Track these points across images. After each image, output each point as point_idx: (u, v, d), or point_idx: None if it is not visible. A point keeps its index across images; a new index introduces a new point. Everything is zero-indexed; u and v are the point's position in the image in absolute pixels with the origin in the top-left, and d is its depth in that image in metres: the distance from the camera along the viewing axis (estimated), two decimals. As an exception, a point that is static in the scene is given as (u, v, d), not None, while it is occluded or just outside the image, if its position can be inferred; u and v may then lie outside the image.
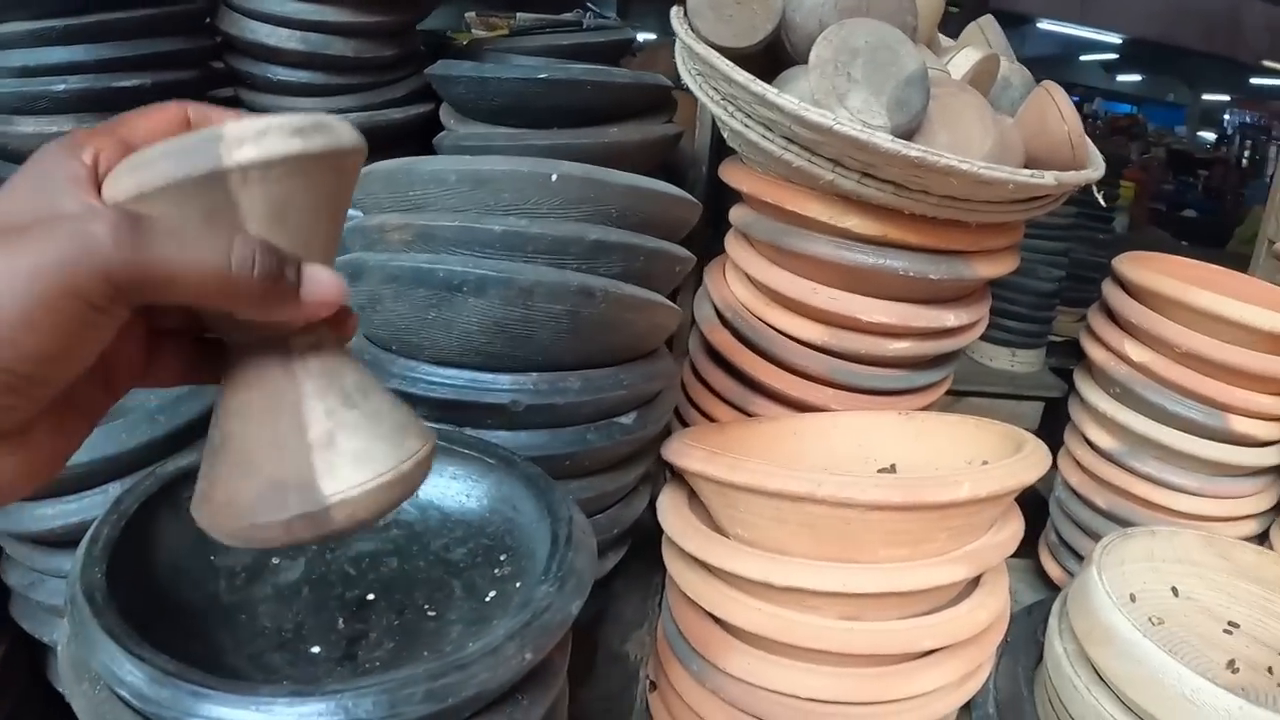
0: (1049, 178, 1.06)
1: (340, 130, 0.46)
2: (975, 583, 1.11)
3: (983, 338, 2.76)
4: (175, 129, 0.48)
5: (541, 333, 0.95)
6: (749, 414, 1.33)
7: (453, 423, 0.99)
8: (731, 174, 1.29)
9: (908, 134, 1.08)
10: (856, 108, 1.06)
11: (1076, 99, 6.77)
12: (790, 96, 1.03)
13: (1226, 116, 9.43)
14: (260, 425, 0.49)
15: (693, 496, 1.12)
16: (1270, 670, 1.13)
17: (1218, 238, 5.67)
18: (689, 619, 1.11)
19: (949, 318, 1.25)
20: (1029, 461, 1.01)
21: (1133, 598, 1.22)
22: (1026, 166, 1.13)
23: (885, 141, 1.00)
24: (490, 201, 0.98)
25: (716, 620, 1.07)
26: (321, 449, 0.48)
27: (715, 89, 1.16)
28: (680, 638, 1.13)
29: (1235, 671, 1.12)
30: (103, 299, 0.39)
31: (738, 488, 0.99)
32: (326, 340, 0.50)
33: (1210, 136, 9.25)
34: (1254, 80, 9.88)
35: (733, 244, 1.36)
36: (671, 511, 1.09)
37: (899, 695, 1.05)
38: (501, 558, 0.84)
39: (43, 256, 0.37)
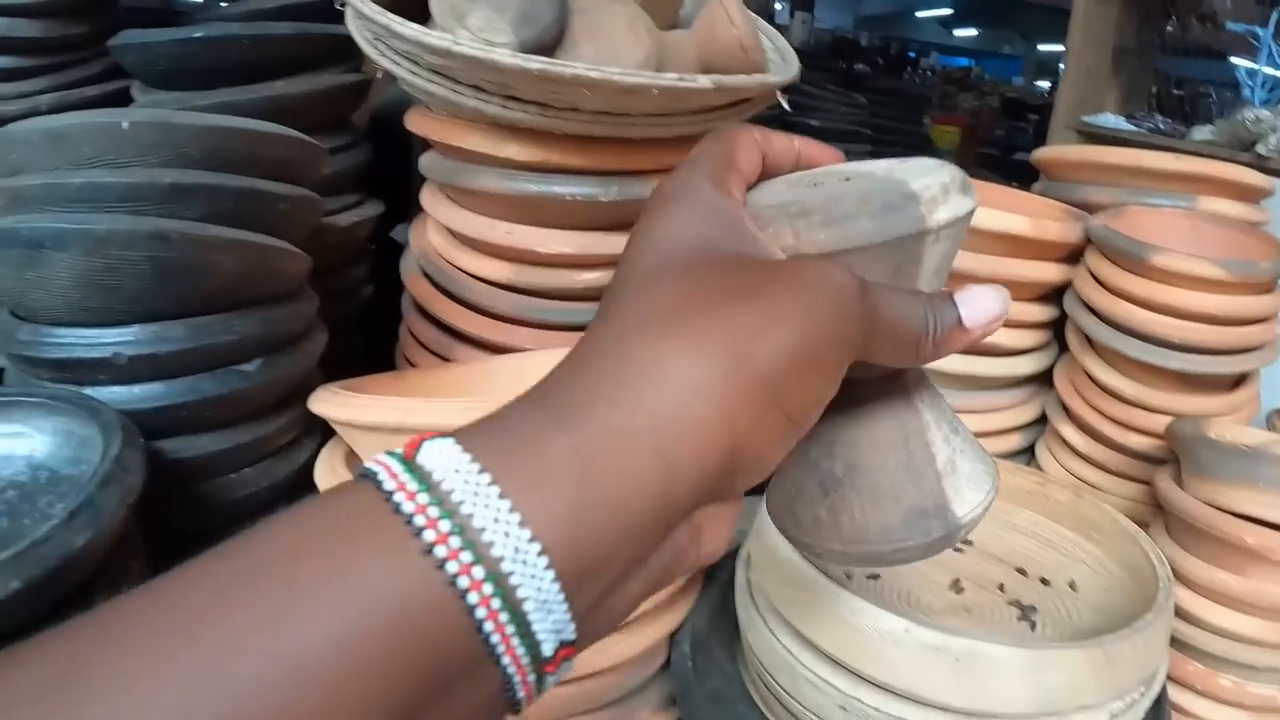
0: (703, 81, 1.00)
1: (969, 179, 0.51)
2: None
3: None
4: (780, 159, 0.52)
5: (128, 282, 0.92)
6: (448, 360, 1.27)
7: (70, 382, 0.98)
8: (411, 119, 1.23)
9: (541, 49, 1.02)
10: (478, 26, 1.01)
11: (913, 54, 6.86)
12: (419, 25, 0.97)
13: (1061, 65, 9.66)
14: (894, 456, 0.52)
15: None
16: (1002, 587, 1.07)
17: (1047, 176, 5.72)
18: None
19: None
20: None
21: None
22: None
23: (505, 58, 0.93)
24: (73, 157, 0.96)
25: None
26: (948, 475, 0.53)
27: (368, 29, 1.10)
28: None
29: (960, 591, 1.06)
30: (850, 352, 0.39)
31: (345, 425, 0.93)
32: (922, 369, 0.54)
33: (1046, 85, 9.43)
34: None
35: (424, 191, 1.30)
36: (324, 461, 1.02)
37: None
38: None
39: (824, 312, 0.37)
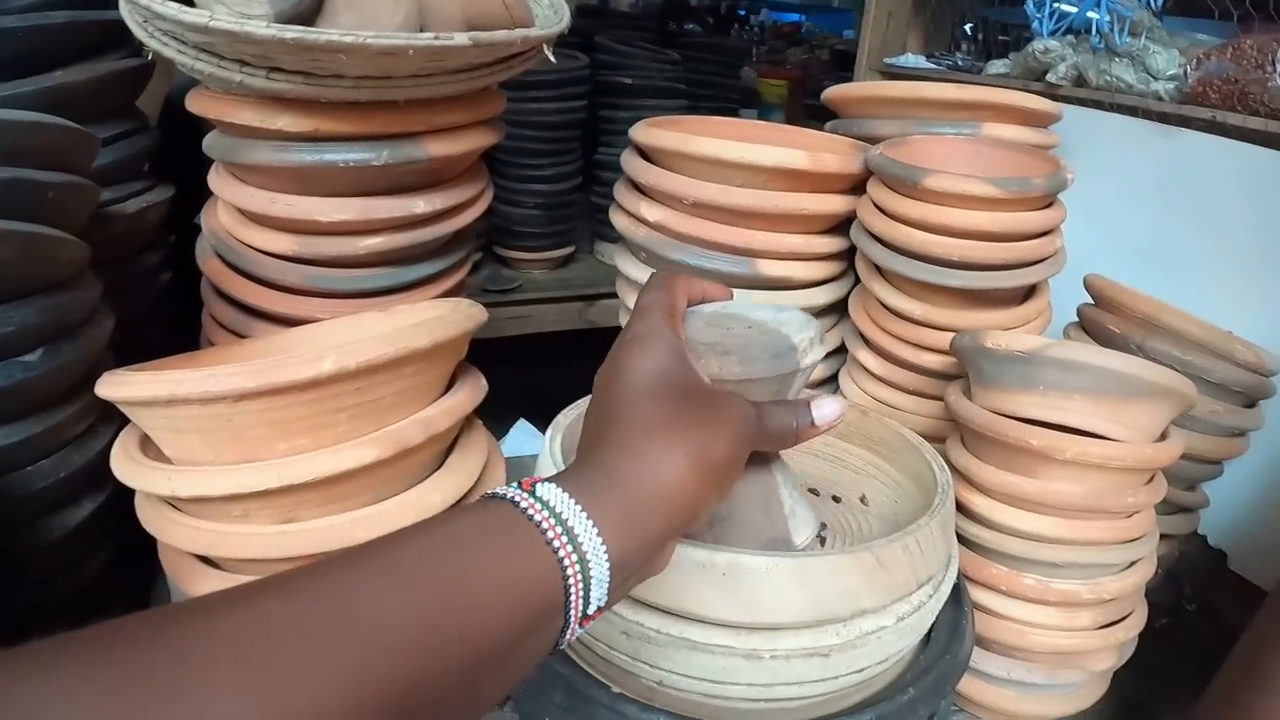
0: (460, 38, 1.00)
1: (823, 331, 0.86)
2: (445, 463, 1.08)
3: (609, 239, 2.83)
4: (694, 295, 0.79)
5: None
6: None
7: None
8: (190, 100, 1.21)
9: (299, 20, 1.02)
10: (233, 1, 0.99)
11: (743, 11, 6.90)
12: (178, 4, 0.97)
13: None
14: (758, 505, 0.86)
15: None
16: (791, 509, 1.08)
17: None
18: (164, 553, 1.05)
19: (419, 204, 1.20)
20: (422, 328, 0.95)
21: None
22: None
23: (260, 29, 0.93)
24: None
25: (175, 548, 1.01)
26: (791, 518, 0.88)
27: (136, 12, 1.07)
28: (168, 575, 1.05)
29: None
30: (750, 448, 0.67)
31: (124, 403, 0.92)
32: None
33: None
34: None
35: (211, 172, 1.28)
36: (118, 446, 1.01)
37: None
38: None
39: (740, 428, 0.64)
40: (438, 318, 0.98)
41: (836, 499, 1.10)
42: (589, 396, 1.08)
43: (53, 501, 1.09)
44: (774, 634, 0.81)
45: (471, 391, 1.08)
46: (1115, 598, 1.18)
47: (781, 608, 0.80)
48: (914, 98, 1.47)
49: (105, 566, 1.20)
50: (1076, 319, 1.48)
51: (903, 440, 1.09)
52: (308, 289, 1.23)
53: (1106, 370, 1.07)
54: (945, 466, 1.01)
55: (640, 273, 1.44)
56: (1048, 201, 1.27)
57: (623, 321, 1.46)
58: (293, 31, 0.93)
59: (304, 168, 1.12)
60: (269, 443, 0.91)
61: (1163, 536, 1.51)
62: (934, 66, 2.21)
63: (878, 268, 1.34)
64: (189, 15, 0.94)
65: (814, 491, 1.11)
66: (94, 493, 1.15)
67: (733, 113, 3.00)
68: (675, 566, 0.79)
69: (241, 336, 1.27)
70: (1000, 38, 2.36)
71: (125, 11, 1.09)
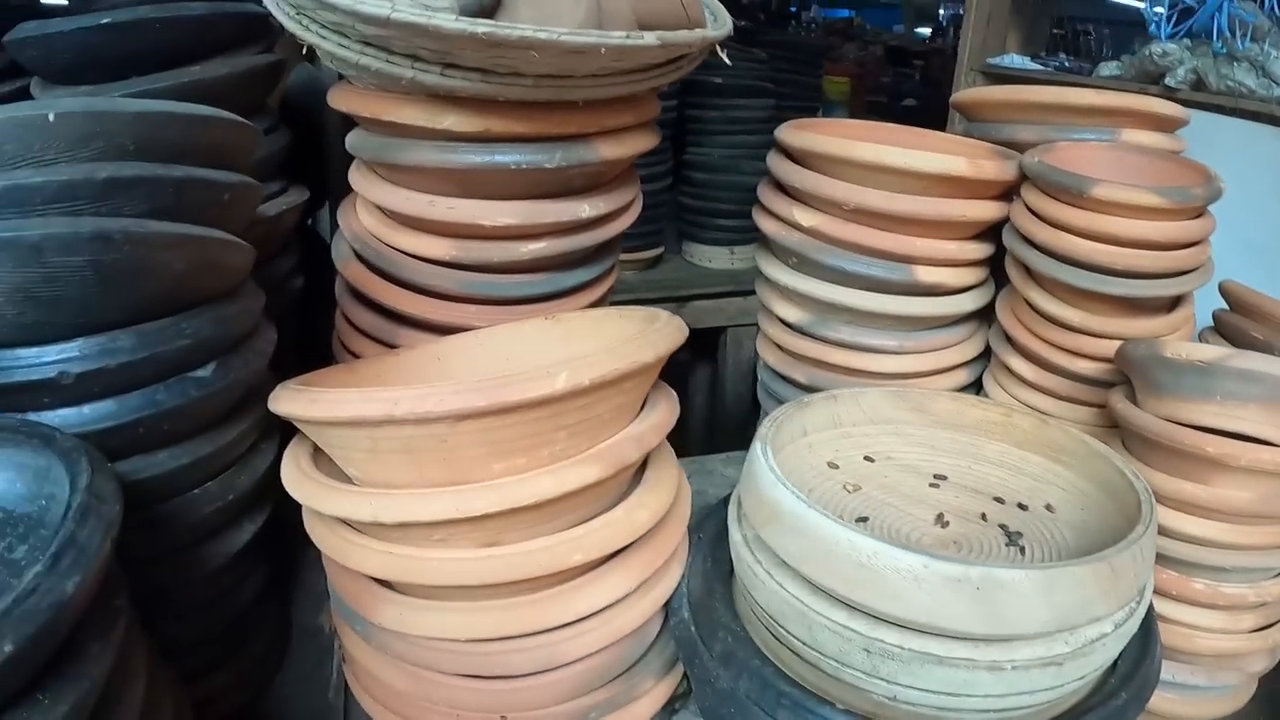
0: (649, 38, 0.97)
1: None
2: (640, 479, 1.05)
3: (699, 239, 2.86)
4: None
5: (69, 291, 0.82)
6: (395, 347, 1.22)
7: (11, 409, 0.86)
8: (335, 96, 1.17)
9: (481, 14, 0.97)
10: None
11: (794, 9, 6.87)
12: None
13: (941, 10, 9.76)
14: None
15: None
16: (984, 516, 1.09)
17: (937, 121, 5.78)
18: (338, 576, 1.02)
19: (584, 209, 1.16)
20: (644, 341, 0.92)
21: (834, 465, 1.15)
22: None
23: (448, 23, 0.88)
24: (-5, 158, 0.86)
25: (357, 572, 0.97)
26: None
27: (289, 4, 1.03)
28: (340, 598, 1.03)
29: (945, 525, 1.07)
30: None
31: (321, 423, 0.89)
32: None
33: (927, 31, 9.51)
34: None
35: (353, 172, 1.25)
36: (289, 464, 0.98)
37: (566, 619, 0.96)
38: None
39: None
40: (657, 330, 0.96)
41: (1023, 506, 1.09)
42: (780, 409, 1.08)
43: (217, 526, 1.04)
44: (1013, 644, 0.81)
45: (670, 405, 1.05)
46: (1277, 600, 1.18)
47: (1027, 618, 0.79)
48: (1055, 103, 1.46)
49: (260, 592, 1.17)
50: (1211, 324, 1.47)
51: (1086, 448, 1.08)
52: (463, 295, 1.19)
53: None
54: (1139, 474, 1.00)
55: (790, 278, 1.42)
56: (1200, 211, 1.26)
57: (771, 309, 1.46)
58: (484, 25, 0.89)
59: (472, 169, 1.08)
60: (483, 463, 0.88)
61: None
62: (1040, 68, 2.19)
63: (1031, 274, 1.34)
64: (367, 7, 0.89)
65: (999, 500, 1.10)
66: (255, 514, 1.11)
67: (813, 111, 3.00)
68: (922, 580, 0.79)
69: (385, 343, 1.23)
70: (1098, 37, 2.35)
71: (273, 4, 1.05)
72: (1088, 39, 2.33)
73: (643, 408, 1.03)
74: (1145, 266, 1.22)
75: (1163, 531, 1.13)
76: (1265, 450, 1.07)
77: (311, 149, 1.33)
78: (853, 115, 4.48)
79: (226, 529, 1.06)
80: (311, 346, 1.38)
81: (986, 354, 1.50)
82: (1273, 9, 1.78)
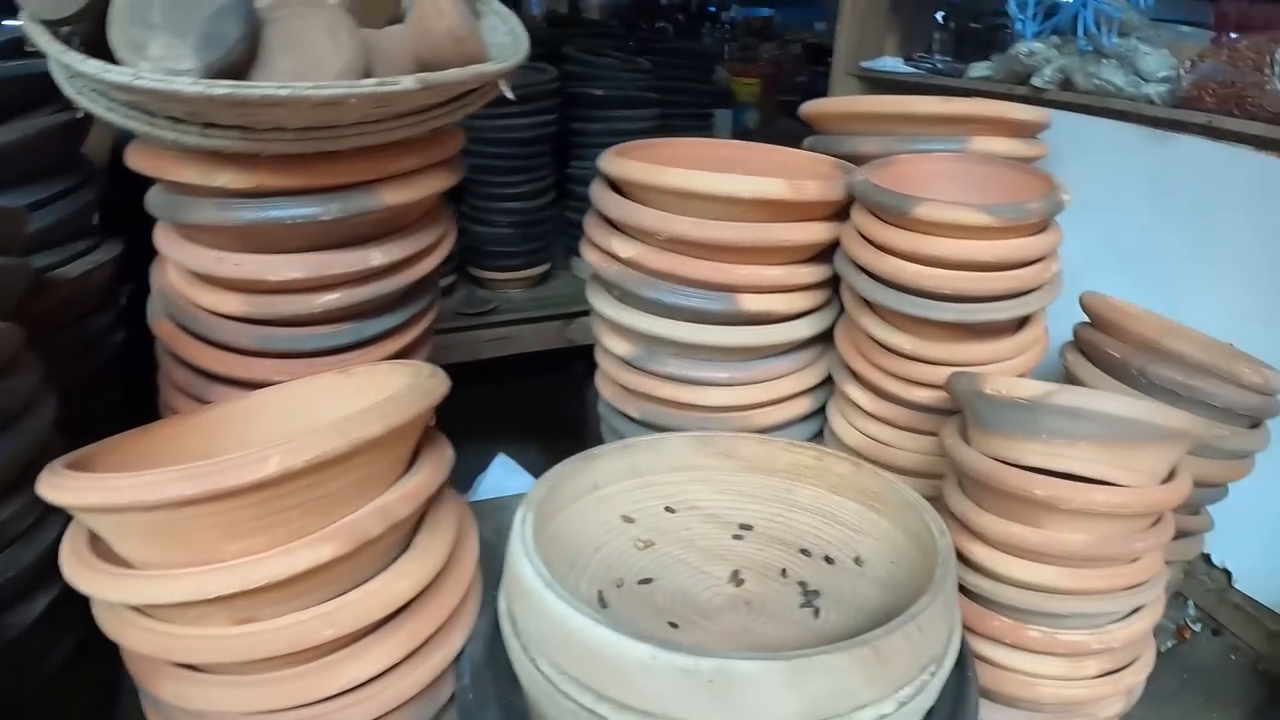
0: (406, 82, 0.94)
1: None
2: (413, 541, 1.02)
3: (580, 254, 2.73)
4: None
5: None
6: (208, 403, 1.18)
7: None
8: (129, 155, 1.13)
9: (231, 70, 0.95)
10: (159, 55, 0.92)
11: (713, 8, 6.80)
12: (99, 61, 0.89)
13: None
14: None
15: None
16: (784, 573, 1.02)
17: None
18: (127, 652, 0.97)
19: (375, 256, 1.13)
20: (378, 410, 0.88)
21: (628, 519, 1.08)
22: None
23: (187, 86, 0.86)
24: None
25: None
26: None
27: (61, 66, 0.99)
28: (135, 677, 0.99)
29: (740, 584, 1.00)
30: None
31: (68, 508, 0.86)
32: None
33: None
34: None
35: (156, 229, 1.20)
36: (68, 547, 0.93)
37: (328, 692, 0.94)
38: None
39: None
40: (392, 399, 0.91)
41: (829, 560, 1.03)
42: (563, 464, 1.01)
43: (3, 601, 1.02)
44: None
45: (435, 469, 1.01)
46: (1124, 645, 1.12)
47: (771, 713, 0.72)
48: (899, 113, 1.41)
49: (68, 659, 1.13)
50: (1073, 339, 1.42)
51: (898, 496, 1.01)
52: (262, 350, 1.16)
53: (1114, 418, 1.01)
54: (945, 530, 0.93)
55: (615, 311, 1.37)
56: (1043, 225, 1.21)
57: (602, 343, 1.41)
58: (222, 87, 0.86)
59: (249, 226, 1.05)
60: (218, 544, 0.84)
61: (1167, 563, 1.47)
62: (913, 70, 2.14)
63: (865, 300, 1.27)
64: (112, 74, 0.86)
65: (805, 553, 1.04)
66: (47, 587, 1.07)
67: (707, 118, 2.94)
68: (653, 671, 0.73)
69: (201, 400, 1.19)
70: (980, 36, 2.30)
71: (53, 68, 1.02)
72: (969, 39, 2.27)
73: (411, 465, 1.00)
74: (977, 289, 1.16)
75: (995, 577, 1.09)
76: (1099, 491, 1.02)
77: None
78: (764, 116, 4.45)
79: (17, 602, 1.04)
80: (147, 401, 1.32)
81: (831, 381, 1.43)
82: (1137, 1, 1.72)
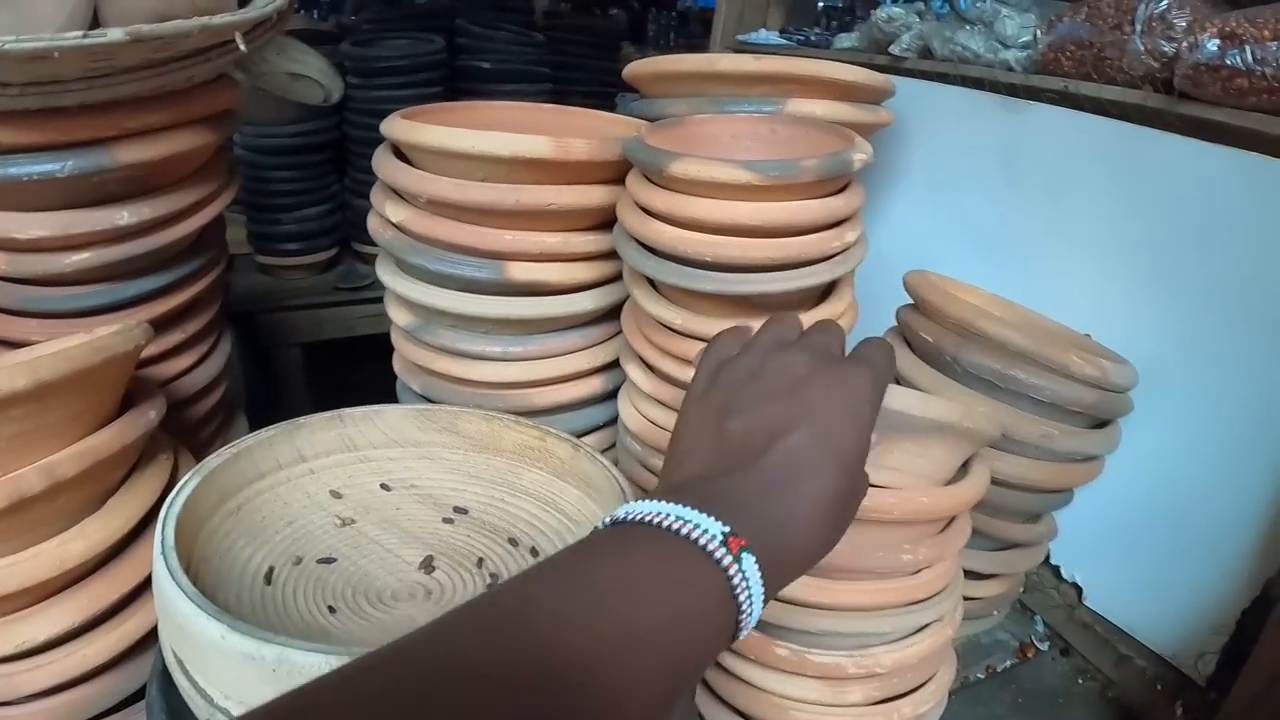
0: (114, 35, 0.86)
1: None
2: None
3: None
4: None
5: None
6: None
7: None
8: None
9: None
10: None
11: (668, -5, 6.68)
12: None
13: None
14: None
15: None
16: (480, 563, 0.90)
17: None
18: None
19: (122, 215, 1.08)
20: (29, 364, 0.82)
21: (337, 495, 0.98)
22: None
23: None
24: None
25: None
26: None
27: None
28: None
29: (430, 571, 0.88)
30: None
31: None
32: None
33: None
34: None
35: None
36: None
37: (5, 652, 0.92)
38: None
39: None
40: (51, 355, 0.84)
41: (535, 552, 0.92)
42: (262, 432, 0.95)
43: None
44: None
45: (122, 430, 0.94)
46: (891, 671, 1.00)
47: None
48: (706, 72, 1.28)
49: None
50: (895, 322, 1.30)
51: (612, 485, 0.90)
52: (24, 310, 1.13)
53: None
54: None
55: (392, 279, 1.25)
56: (833, 188, 1.08)
57: (389, 313, 1.35)
58: None
59: None
60: None
61: (997, 576, 1.35)
62: (785, 42, 2.01)
63: (636, 270, 1.14)
64: None
65: (513, 542, 0.93)
66: None
67: (609, 97, 2.81)
68: (223, 651, 0.67)
69: None
70: (855, 8, 2.18)
71: None
72: (847, 10, 2.15)
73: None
74: (740, 257, 1.02)
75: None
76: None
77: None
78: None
79: None
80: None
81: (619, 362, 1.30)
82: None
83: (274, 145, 2.33)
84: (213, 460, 0.89)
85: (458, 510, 0.98)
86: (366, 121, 2.37)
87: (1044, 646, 1.45)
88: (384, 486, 1.00)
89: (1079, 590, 1.49)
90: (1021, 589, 1.48)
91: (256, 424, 1.03)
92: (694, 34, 5.48)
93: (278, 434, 0.96)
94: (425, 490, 1.00)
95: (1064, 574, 1.51)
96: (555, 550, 0.88)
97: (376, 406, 1.02)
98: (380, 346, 1.41)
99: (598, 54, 2.94)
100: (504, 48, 2.56)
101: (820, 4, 2.22)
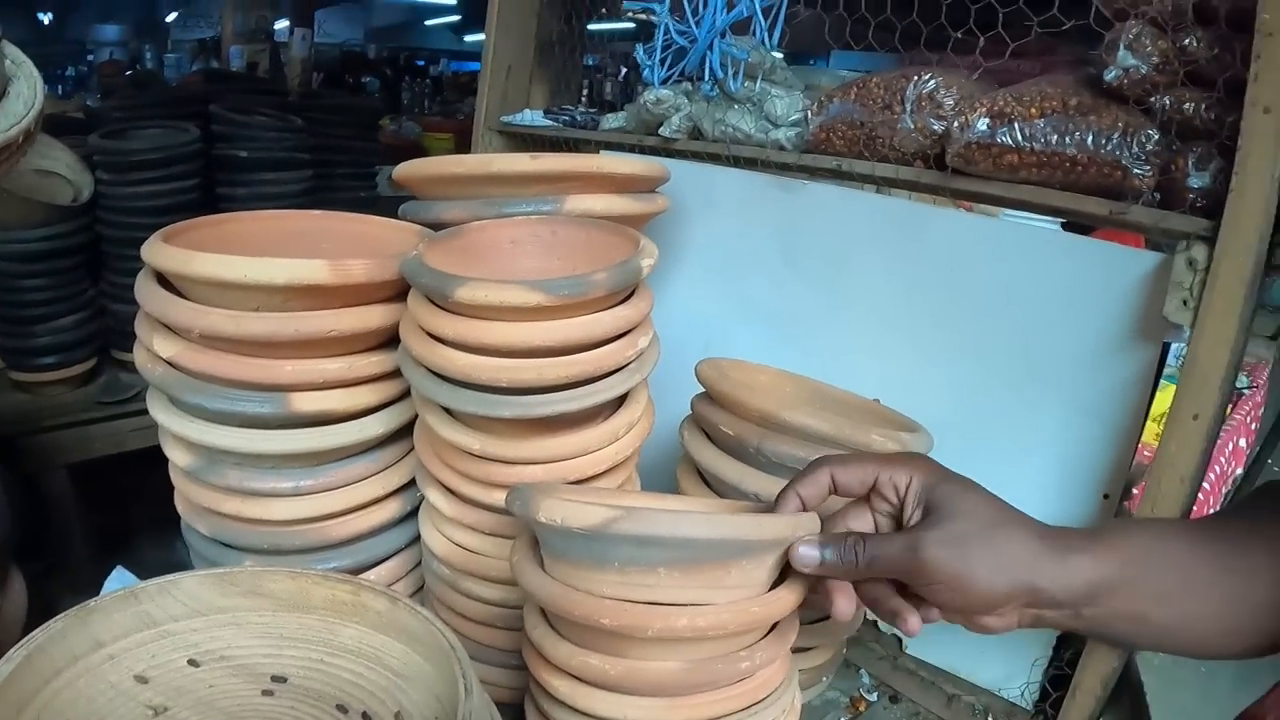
0: None
1: None
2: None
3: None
4: None
5: None
6: None
7: None
8: None
9: None
10: None
11: (422, 63, 6.69)
12: None
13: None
14: None
15: None
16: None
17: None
18: None
19: None
20: None
21: (142, 680, 0.89)
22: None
23: None
24: None
25: None
26: None
27: None
28: None
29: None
30: None
31: None
32: None
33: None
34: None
35: None
36: None
37: None
38: None
39: None
40: None
41: (367, 717, 0.86)
42: (53, 622, 0.83)
43: None
44: None
45: None
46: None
47: None
48: (481, 174, 1.24)
49: None
50: (690, 413, 1.29)
51: (435, 640, 0.85)
52: None
53: (695, 541, 0.85)
54: (475, 687, 0.77)
55: (167, 418, 1.17)
56: (623, 296, 1.06)
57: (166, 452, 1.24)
58: None
59: None
60: None
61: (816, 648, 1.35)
62: (550, 123, 1.99)
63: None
64: None
65: (341, 709, 0.87)
66: None
67: (370, 177, 2.76)
68: None
69: None
70: (621, 86, 2.18)
71: None
72: (614, 88, 2.14)
73: None
74: (537, 380, 1.00)
75: (579, 711, 0.94)
76: (680, 615, 0.86)
77: None
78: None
79: None
80: None
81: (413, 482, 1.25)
82: (763, 41, 1.60)
83: (22, 252, 2.19)
84: (2, 668, 0.77)
85: (275, 679, 0.91)
86: (120, 220, 2.27)
87: (873, 697, 1.46)
88: (192, 663, 0.91)
89: (899, 640, 1.51)
90: (845, 649, 1.49)
91: (27, 564, 0.94)
92: (449, 100, 5.48)
93: (68, 623, 0.84)
94: (238, 661, 0.92)
95: (881, 627, 1.54)
96: (388, 713, 0.84)
97: (171, 576, 0.93)
98: (156, 457, 1.30)
99: (358, 134, 2.88)
100: (261, 134, 2.48)
101: (586, 82, 2.20)
